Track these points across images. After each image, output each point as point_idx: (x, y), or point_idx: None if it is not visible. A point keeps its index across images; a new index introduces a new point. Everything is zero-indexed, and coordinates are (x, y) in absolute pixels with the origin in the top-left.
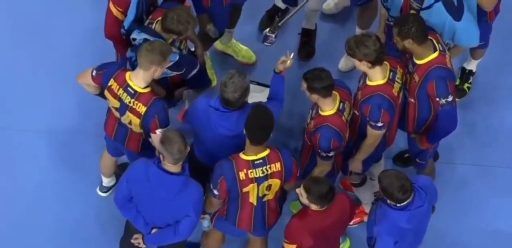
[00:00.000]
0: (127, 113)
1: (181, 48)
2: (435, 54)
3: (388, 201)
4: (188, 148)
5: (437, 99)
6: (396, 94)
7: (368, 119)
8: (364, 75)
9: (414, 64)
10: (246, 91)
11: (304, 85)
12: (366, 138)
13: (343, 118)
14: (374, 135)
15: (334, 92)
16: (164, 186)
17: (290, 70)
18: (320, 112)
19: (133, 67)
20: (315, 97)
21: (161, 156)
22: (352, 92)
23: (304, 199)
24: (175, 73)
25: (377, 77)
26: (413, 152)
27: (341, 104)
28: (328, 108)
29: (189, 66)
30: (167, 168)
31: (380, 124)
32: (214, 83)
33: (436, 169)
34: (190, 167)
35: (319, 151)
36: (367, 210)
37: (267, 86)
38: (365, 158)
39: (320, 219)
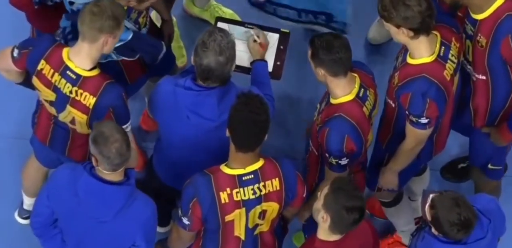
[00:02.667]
0: (68, 107)
1: (139, 22)
2: None
3: (433, 230)
4: (135, 149)
5: None
6: (448, 77)
7: (407, 112)
8: (404, 50)
9: (474, 22)
10: (234, 54)
11: (309, 52)
12: (405, 140)
13: (364, 109)
14: (415, 135)
15: (353, 74)
16: (99, 202)
17: (295, 46)
18: (332, 100)
19: (68, 43)
20: (320, 72)
21: (93, 160)
22: (387, 74)
23: (318, 203)
24: (123, 58)
25: (422, 52)
26: (482, 156)
27: (362, 90)
28: (342, 92)
29: (148, 50)
30: (103, 176)
31: (424, 121)
32: (184, 60)
33: (501, 184)
34: (147, 190)
35: (327, 155)
36: (405, 240)
37: (272, 29)
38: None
39: None
